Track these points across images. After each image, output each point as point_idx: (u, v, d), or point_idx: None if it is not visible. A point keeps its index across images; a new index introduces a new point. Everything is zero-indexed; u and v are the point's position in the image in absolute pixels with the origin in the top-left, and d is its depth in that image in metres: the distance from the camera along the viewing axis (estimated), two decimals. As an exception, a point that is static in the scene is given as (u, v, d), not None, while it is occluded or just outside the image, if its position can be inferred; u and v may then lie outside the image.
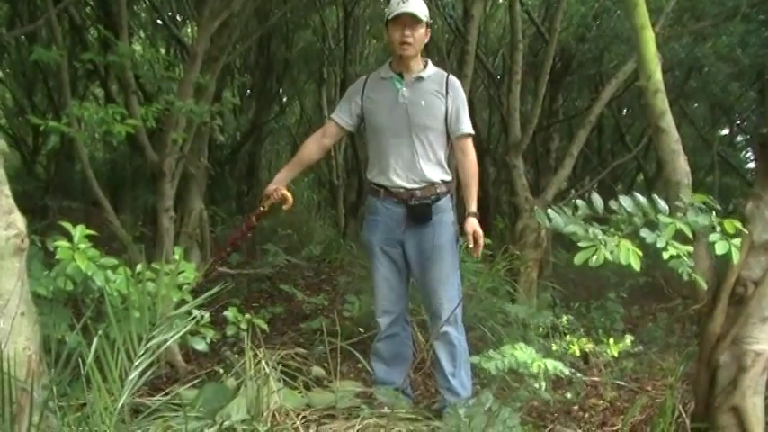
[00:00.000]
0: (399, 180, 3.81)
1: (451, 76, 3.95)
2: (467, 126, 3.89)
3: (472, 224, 3.78)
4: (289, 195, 3.92)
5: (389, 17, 3.76)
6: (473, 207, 3.85)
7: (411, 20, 3.72)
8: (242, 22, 6.30)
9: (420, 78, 3.84)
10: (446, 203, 3.86)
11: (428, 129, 3.81)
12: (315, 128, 11.85)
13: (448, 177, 3.89)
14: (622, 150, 11.06)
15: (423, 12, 3.73)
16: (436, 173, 3.83)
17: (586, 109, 8.35)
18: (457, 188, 4.02)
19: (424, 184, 3.80)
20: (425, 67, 3.89)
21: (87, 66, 4.87)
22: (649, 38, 3.34)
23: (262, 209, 3.91)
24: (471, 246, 3.77)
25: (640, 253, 2.85)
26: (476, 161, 3.93)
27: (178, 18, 9.55)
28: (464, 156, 3.90)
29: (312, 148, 4.03)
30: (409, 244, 3.86)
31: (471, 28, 6.66)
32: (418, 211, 3.78)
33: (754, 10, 7.39)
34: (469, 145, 3.92)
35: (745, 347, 3.26)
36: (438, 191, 3.82)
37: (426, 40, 3.86)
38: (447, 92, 3.84)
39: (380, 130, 3.85)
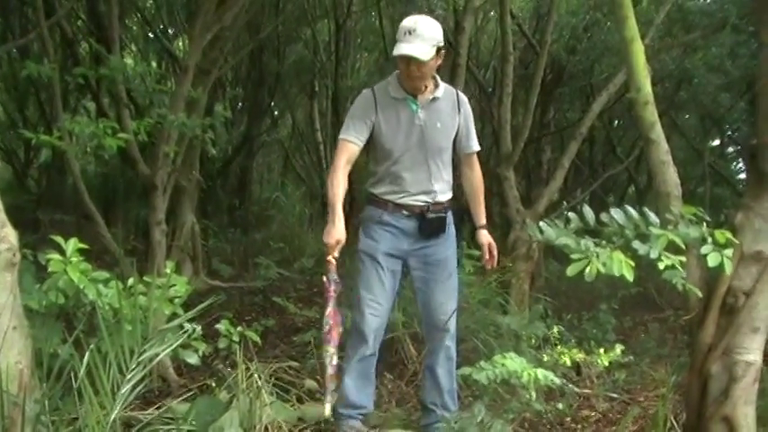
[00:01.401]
0: (411, 200, 3.71)
1: (461, 93, 3.90)
2: (476, 143, 3.91)
3: (486, 236, 3.84)
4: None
5: (394, 50, 3.54)
6: (483, 220, 3.89)
7: (415, 60, 3.50)
8: (234, 36, 6.32)
9: (435, 99, 3.71)
10: (450, 217, 3.86)
11: (443, 150, 3.75)
12: (307, 141, 12.03)
13: (451, 194, 3.87)
14: (614, 162, 11.03)
15: (427, 50, 3.48)
16: (446, 193, 3.81)
17: (578, 121, 8.34)
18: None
19: (432, 202, 3.73)
20: (437, 86, 3.74)
21: (79, 80, 4.84)
22: (639, 50, 3.37)
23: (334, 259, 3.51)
24: (487, 257, 3.79)
25: (633, 264, 2.86)
26: (481, 175, 3.96)
27: (170, 31, 9.56)
28: (472, 171, 3.94)
29: (345, 180, 3.64)
30: (417, 256, 3.78)
31: (462, 40, 6.69)
32: (435, 223, 3.74)
33: (743, 21, 7.40)
34: (476, 161, 3.95)
35: (737, 358, 3.28)
36: (445, 206, 3.81)
37: (440, 62, 3.64)
38: (459, 109, 3.81)
39: (394, 152, 3.68)
